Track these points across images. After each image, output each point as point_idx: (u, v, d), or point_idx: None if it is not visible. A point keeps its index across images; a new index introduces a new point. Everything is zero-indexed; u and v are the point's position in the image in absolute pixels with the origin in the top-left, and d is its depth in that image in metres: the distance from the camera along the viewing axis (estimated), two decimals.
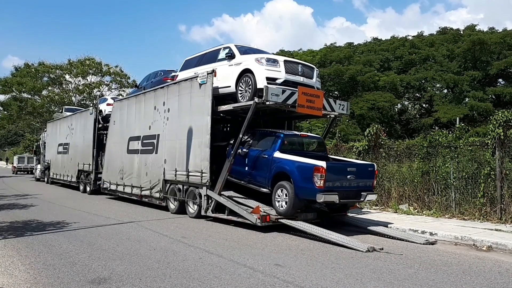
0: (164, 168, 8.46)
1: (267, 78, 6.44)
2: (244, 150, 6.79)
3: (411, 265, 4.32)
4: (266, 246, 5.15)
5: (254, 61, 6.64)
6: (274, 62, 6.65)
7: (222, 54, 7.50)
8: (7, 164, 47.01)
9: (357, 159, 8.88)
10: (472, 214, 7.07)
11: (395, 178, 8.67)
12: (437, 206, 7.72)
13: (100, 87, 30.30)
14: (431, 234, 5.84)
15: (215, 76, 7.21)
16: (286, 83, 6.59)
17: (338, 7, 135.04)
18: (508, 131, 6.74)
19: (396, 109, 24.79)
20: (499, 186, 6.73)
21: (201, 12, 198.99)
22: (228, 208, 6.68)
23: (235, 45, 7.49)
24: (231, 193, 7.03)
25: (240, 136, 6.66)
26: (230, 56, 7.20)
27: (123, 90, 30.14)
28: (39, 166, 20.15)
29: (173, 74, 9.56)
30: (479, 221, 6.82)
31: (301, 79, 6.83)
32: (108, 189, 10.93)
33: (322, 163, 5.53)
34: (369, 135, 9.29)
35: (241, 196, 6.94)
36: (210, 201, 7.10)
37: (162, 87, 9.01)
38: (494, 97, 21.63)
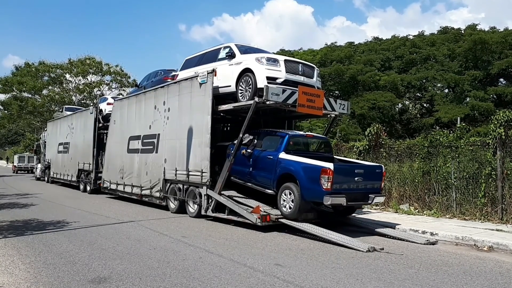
0: (164, 168, 8.45)
1: (268, 78, 6.42)
2: (249, 150, 6.65)
3: (411, 265, 4.31)
4: (266, 245, 5.15)
5: (255, 60, 6.62)
6: (275, 61, 6.64)
7: (222, 54, 7.49)
8: (7, 163, 47.12)
9: (358, 159, 8.86)
10: (473, 214, 7.05)
11: (395, 178, 8.65)
12: (438, 206, 7.70)
13: (101, 87, 30.32)
14: (431, 234, 5.82)
15: (215, 75, 7.20)
16: (286, 82, 6.58)
17: (339, 7, 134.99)
18: (509, 131, 6.72)
19: (397, 108, 24.74)
20: (500, 186, 6.71)
21: (201, 11, 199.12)
22: (228, 207, 6.68)
23: (236, 45, 7.47)
24: (231, 192, 7.02)
25: (241, 135, 6.64)
26: (231, 55, 7.19)
27: (124, 90, 30.15)
28: (39, 166, 20.16)
29: (173, 73, 9.55)
30: (480, 221, 6.80)
31: (301, 78, 6.82)
32: (108, 188, 10.93)
33: (330, 165, 5.41)
34: (369, 134, 9.27)
35: (241, 196, 6.93)
36: (210, 200, 7.09)
37: (163, 86, 9.00)
38: (495, 96, 21.57)
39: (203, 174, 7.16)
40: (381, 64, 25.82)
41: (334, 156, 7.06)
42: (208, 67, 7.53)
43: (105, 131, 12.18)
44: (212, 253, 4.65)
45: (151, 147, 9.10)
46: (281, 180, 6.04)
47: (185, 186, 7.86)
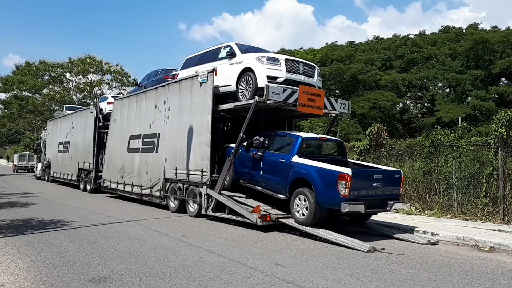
0: (164, 167, 8.45)
1: (268, 77, 6.40)
2: (259, 153, 6.38)
3: (412, 265, 4.29)
4: (267, 245, 5.13)
5: (255, 59, 6.60)
6: (275, 61, 6.61)
7: (223, 53, 7.47)
8: (7, 162, 47.19)
9: (358, 158, 8.83)
10: (474, 214, 7.03)
11: None
12: (439, 206, 7.67)
13: (101, 86, 30.33)
14: (432, 234, 5.80)
15: (215, 75, 7.18)
16: (287, 82, 6.55)
17: (339, 6, 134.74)
18: (511, 131, 6.68)
19: (398, 108, 24.67)
20: (502, 186, 6.69)
21: (201, 10, 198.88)
22: (229, 207, 6.66)
23: (236, 44, 7.45)
24: (231, 192, 7.01)
25: (241, 135, 6.62)
26: (231, 54, 7.17)
27: (124, 89, 30.16)
28: (39, 165, 20.18)
29: (173, 72, 9.54)
30: (481, 221, 6.78)
31: (302, 78, 6.79)
32: (109, 187, 10.93)
33: (348, 170, 5.15)
34: (370, 134, 9.25)
35: (241, 195, 6.92)
36: (210, 200, 7.08)
37: (163, 85, 8.98)
38: (496, 96, 21.49)
39: (203, 173, 7.14)
40: (382, 64, 25.73)
41: (348, 160, 6.74)
42: (209, 66, 7.51)
43: (106, 130, 12.18)
44: (212, 252, 4.64)
45: (152, 146, 9.09)
46: (294, 185, 5.76)
47: (185, 186, 7.85)
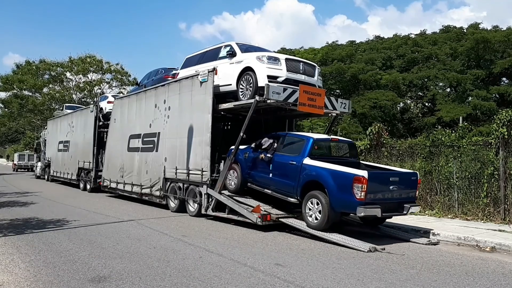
0: (164, 166, 8.43)
1: (268, 76, 6.38)
2: (268, 155, 6.19)
3: (413, 265, 4.28)
4: (267, 245, 5.12)
5: (255, 59, 6.58)
6: (276, 60, 6.60)
7: (223, 52, 7.45)
8: (7, 161, 47.22)
9: (359, 158, 8.79)
10: (475, 214, 7.02)
11: None
12: (440, 206, 7.66)
13: (101, 85, 30.28)
14: (433, 234, 5.79)
15: (216, 74, 7.16)
16: (287, 81, 6.54)
17: (339, 5, 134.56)
18: None
19: (399, 108, 24.63)
20: (503, 186, 6.67)
21: (201, 10, 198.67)
22: (229, 207, 6.65)
23: (236, 43, 7.44)
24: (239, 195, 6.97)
25: (241, 134, 6.60)
26: (231, 54, 7.15)
27: (124, 88, 30.10)
28: (39, 164, 20.17)
29: (174, 72, 9.52)
30: (482, 221, 6.77)
31: (302, 77, 6.77)
32: (108, 187, 10.92)
33: (364, 173, 4.94)
34: (371, 134, 9.23)
35: (242, 195, 6.91)
36: (210, 199, 7.07)
37: (163, 85, 8.96)
38: (497, 96, 21.44)
39: (204, 173, 7.13)
40: (383, 63, 25.68)
41: (361, 162, 6.54)
42: (209, 65, 7.49)
43: (106, 130, 12.17)
44: (212, 252, 4.62)
45: (152, 145, 9.07)
46: (306, 188, 5.57)
47: (185, 185, 7.84)
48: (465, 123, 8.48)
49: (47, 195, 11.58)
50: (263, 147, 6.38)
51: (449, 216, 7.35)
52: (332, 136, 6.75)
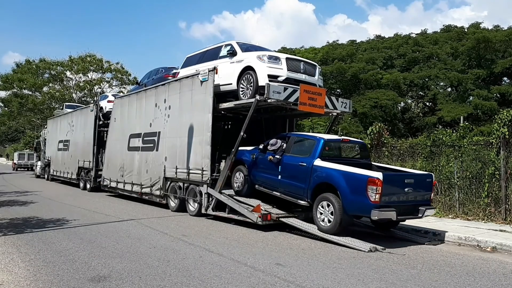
0: (164, 166, 8.42)
1: (269, 76, 6.37)
2: (277, 156, 6.02)
3: (414, 265, 4.26)
4: (267, 245, 5.11)
5: (256, 58, 6.57)
6: (276, 59, 6.58)
7: (223, 52, 7.43)
8: (7, 160, 47.24)
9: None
10: (476, 214, 7.00)
11: None
12: (441, 206, 7.64)
13: (101, 84, 30.22)
14: (434, 234, 5.78)
15: (216, 73, 7.15)
16: (288, 80, 6.52)
17: (340, 4, 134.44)
18: None
19: (399, 107, 24.60)
20: (504, 186, 6.65)
21: (201, 9, 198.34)
22: (229, 206, 6.64)
23: (237, 43, 7.42)
24: (232, 191, 6.98)
25: (241, 134, 6.59)
26: (232, 53, 7.13)
27: (124, 87, 30.07)
28: (39, 163, 20.17)
29: (174, 71, 9.50)
30: (483, 221, 6.75)
31: (303, 76, 6.76)
32: (108, 186, 10.91)
33: (378, 174, 4.79)
34: (371, 133, 9.21)
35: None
36: (210, 199, 7.06)
37: (163, 84, 8.95)
38: (498, 95, 21.39)
39: (204, 172, 7.12)
40: (384, 63, 25.64)
41: (372, 163, 6.36)
42: (209, 65, 7.47)
43: (106, 129, 12.15)
44: (212, 252, 4.61)
45: (152, 145, 9.06)
46: (317, 190, 5.42)
47: (185, 185, 7.82)
48: (466, 123, 8.46)
49: (47, 194, 11.57)
50: (271, 148, 6.21)
51: (450, 216, 7.33)
52: (343, 137, 6.59)
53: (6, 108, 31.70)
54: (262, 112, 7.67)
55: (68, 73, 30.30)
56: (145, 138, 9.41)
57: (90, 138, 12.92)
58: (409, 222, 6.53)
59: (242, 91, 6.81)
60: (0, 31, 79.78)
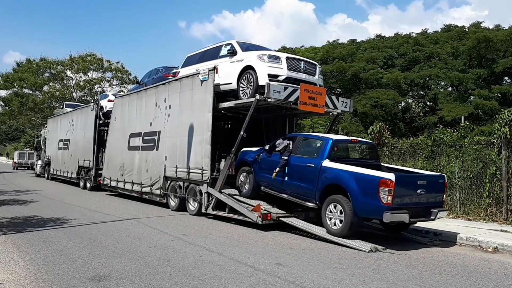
0: (164, 165, 8.41)
1: (269, 75, 6.35)
2: (284, 157, 5.89)
3: (414, 265, 4.25)
4: (267, 244, 5.10)
5: (256, 58, 6.56)
6: (276, 59, 6.56)
7: (223, 51, 7.42)
8: (7, 159, 47.29)
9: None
10: (477, 214, 6.98)
11: None
12: None
13: (101, 83, 30.21)
14: (435, 234, 5.76)
15: (216, 73, 7.13)
16: (288, 80, 6.51)
17: (340, 4, 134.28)
18: None
19: (400, 107, 24.55)
20: (505, 186, 6.63)
21: (200, 8, 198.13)
22: (229, 205, 6.63)
23: (237, 42, 7.41)
24: (232, 191, 6.97)
25: (242, 133, 6.57)
26: (232, 52, 7.11)
27: (124, 87, 30.07)
28: (39, 162, 20.17)
29: (174, 70, 9.48)
30: (484, 221, 6.73)
31: (303, 76, 6.74)
32: (108, 185, 10.90)
33: (391, 176, 4.66)
34: (372, 133, 9.20)
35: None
36: (210, 198, 7.05)
37: (164, 83, 8.94)
38: (499, 95, 21.34)
39: (204, 171, 7.11)
40: (384, 62, 25.58)
41: (382, 164, 6.21)
42: (210, 64, 7.46)
43: (106, 128, 12.14)
44: (212, 251, 4.60)
45: (152, 144, 9.05)
46: (326, 192, 5.30)
47: (185, 184, 7.81)
48: (467, 123, 8.44)
49: (47, 193, 11.57)
50: (277, 149, 6.08)
51: (451, 216, 7.31)
52: (352, 137, 6.49)
53: (7, 107, 31.72)
54: (262, 112, 7.65)
55: (68, 72, 30.31)
56: (145, 138, 9.40)
57: (90, 137, 12.91)
58: None
59: (242, 90, 6.80)
60: (1, 30, 79.84)
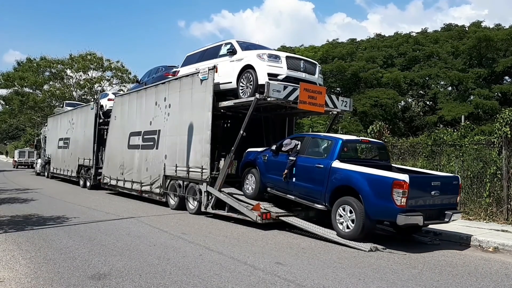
0: (164, 164, 8.41)
1: (269, 74, 6.35)
2: (291, 158, 5.76)
3: (415, 265, 4.25)
4: (267, 244, 5.10)
5: (256, 57, 6.55)
6: (276, 58, 6.56)
7: (223, 50, 7.41)
8: (7, 158, 47.33)
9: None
10: (477, 214, 6.98)
11: None
12: None
13: (101, 82, 30.22)
14: (435, 234, 5.76)
15: (216, 72, 7.13)
16: (288, 79, 6.50)
17: (339, 3, 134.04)
18: None
19: (400, 106, 24.54)
20: (506, 186, 6.63)
21: (200, 7, 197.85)
22: (229, 205, 6.63)
23: (237, 41, 7.40)
24: (231, 189, 6.97)
25: (241, 132, 6.57)
26: (232, 52, 7.11)
27: (124, 86, 30.04)
28: (39, 161, 20.18)
29: (174, 69, 9.47)
30: (484, 221, 6.73)
31: (303, 75, 6.73)
32: (108, 184, 10.91)
33: (404, 177, 4.52)
34: (372, 132, 9.20)
35: (241, 193, 6.88)
36: (210, 197, 7.05)
37: (163, 82, 8.93)
38: (500, 95, 21.32)
39: (203, 170, 7.11)
40: (384, 61, 25.54)
41: (392, 165, 6.06)
42: (209, 63, 7.46)
43: (106, 127, 12.15)
44: (212, 250, 4.60)
45: (152, 143, 9.05)
46: (336, 194, 5.16)
47: (185, 183, 7.82)
48: (467, 122, 8.42)
49: (47, 192, 11.57)
50: (284, 149, 5.96)
51: None
52: (362, 138, 6.36)
53: (7, 106, 31.72)
54: (262, 111, 7.64)
55: (68, 71, 30.28)
56: (145, 136, 9.40)
57: (90, 136, 12.91)
58: None
59: (242, 89, 6.79)
60: (1, 29, 79.74)
